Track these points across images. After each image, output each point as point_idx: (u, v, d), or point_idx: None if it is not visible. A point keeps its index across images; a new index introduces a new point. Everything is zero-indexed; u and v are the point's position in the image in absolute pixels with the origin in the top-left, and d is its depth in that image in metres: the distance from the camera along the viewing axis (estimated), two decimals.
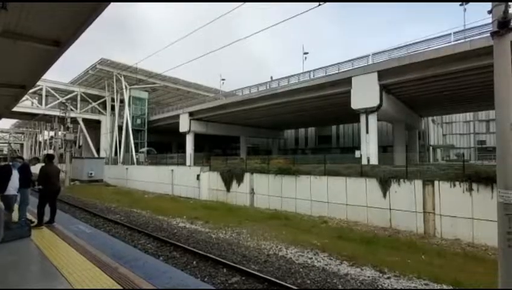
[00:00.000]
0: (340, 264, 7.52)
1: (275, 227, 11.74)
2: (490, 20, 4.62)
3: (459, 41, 15.68)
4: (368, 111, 19.52)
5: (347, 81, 20.08)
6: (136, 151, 36.03)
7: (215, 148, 54.52)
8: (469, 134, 49.81)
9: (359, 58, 21.05)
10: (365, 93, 19.17)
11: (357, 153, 20.71)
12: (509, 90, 4.47)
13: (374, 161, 18.97)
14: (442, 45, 16.39)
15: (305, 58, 31.39)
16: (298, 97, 24.18)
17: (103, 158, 36.65)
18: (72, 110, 34.15)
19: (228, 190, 19.52)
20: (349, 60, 21.60)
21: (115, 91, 37.90)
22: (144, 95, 40.18)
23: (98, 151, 40.37)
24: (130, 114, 37.31)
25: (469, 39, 15.30)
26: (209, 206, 17.04)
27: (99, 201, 18.93)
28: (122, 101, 38.44)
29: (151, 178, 26.80)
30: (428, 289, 6.10)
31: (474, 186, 10.32)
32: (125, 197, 20.87)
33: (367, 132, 19.70)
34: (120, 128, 37.80)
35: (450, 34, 16.12)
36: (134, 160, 34.47)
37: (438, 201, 11.23)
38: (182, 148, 39.55)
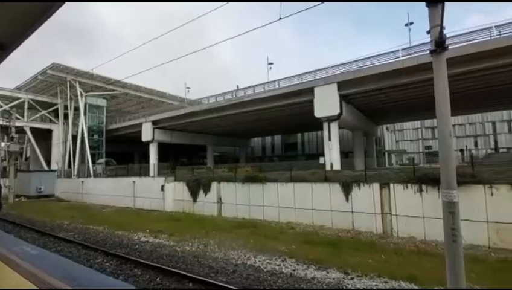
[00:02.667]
0: (307, 269, 7.67)
1: (243, 236, 11.64)
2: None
3: (406, 57, 17.36)
4: (329, 119, 20.54)
5: (310, 91, 21.01)
6: (93, 162, 33.49)
7: (181, 158, 52.90)
8: (418, 140, 54.90)
9: (320, 70, 22.23)
10: (327, 103, 20.19)
11: (321, 160, 21.59)
12: (447, 101, 5.06)
13: (337, 166, 19.91)
14: (393, 60, 18.02)
15: (270, 68, 32.29)
16: (264, 106, 24.64)
17: (55, 171, 33.43)
18: (18, 118, 30.83)
19: (195, 200, 18.97)
20: (312, 71, 22.70)
21: (69, 98, 35.04)
22: (102, 102, 37.76)
23: (48, 163, 36.69)
24: (85, 123, 34.72)
25: (415, 55, 17.03)
26: (175, 217, 16.37)
27: (50, 218, 17.13)
28: (77, 108, 35.68)
29: (110, 191, 25.03)
30: (388, 288, 6.47)
31: (424, 187, 11.32)
32: (80, 213, 19.17)
33: (329, 139, 20.67)
34: (74, 138, 34.91)
35: (398, 50, 17.78)
36: (91, 172, 31.97)
37: (393, 202, 12.09)
38: (145, 158, 37.68)
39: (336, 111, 20.06)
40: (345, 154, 31.46)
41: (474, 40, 15.28)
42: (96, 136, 36.50)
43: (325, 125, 20.90)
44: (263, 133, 48.32)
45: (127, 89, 37.81)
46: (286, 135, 49.19)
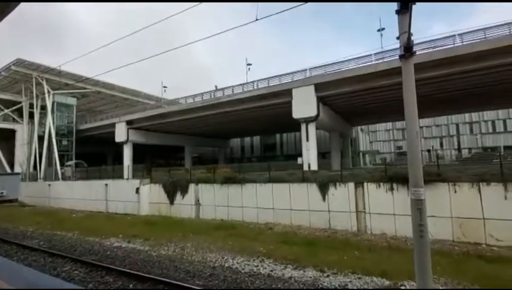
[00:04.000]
0: (284, 269, 7.73)
1: (222, 238, 11.52)
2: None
3: (379, 61, 18.13)
4: (307, 120, 20.95)
5: (288, 92, 21.28)
6: (62, 164, 31.60)
7: (157, 159, 51.38)
8: (389, 141, 57.66)
9: (298, 72, 22.60)
10: (304, 104, 20.57)
11: (299, 160, 21.95)
12: (414, 104, 5.34)
13: (314, 166, 20.33)
14: (367, 64, 18.74)
15: (249, 69, 32.34)
16: (243, 107, 24.61)
17: (18, 174, 31.10)
18: None
19: (172, 202, 18.49)
20: (290, 73, 23.01)
21: (35, 96, 32.79)
22: (72, 101, 35.76)
23: (12, 166, 34.08)
24: (53, 122, 32.68)
25: (387, 60, 17.83)
26: (150, 221, 15.85)
27: (12, 225, 15.91)
28: (44, 107, 33.50)
29: (80, 195, 23.73)
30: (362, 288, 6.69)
31: (395, 186, 11.86)
32: (47, 219, 17.97)
33: (307, 140, 21.07)
34: (41, 138, 32.73)
35: (371, 54, 18.53)
36: (59, 175, 30.14)
37: (367, 201, 12.55)
38: (119, 160, 36.18)
39: (313, 112, 20.49)
40: (322, 154, 32.23)
41: (441, 46, 16.28)
42: (65, 137, 34.46)
43: (303, 126, 21.27)
44: (242, 134, 48.25)
45: (99, 87, 36.13)
46: (265, 136, 49.48)
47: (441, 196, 10.74)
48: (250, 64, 32.43)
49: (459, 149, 51.37)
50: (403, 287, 6.16)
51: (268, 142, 50.17)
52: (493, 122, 49.81)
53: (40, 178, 31.00)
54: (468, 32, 16.19)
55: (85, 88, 34.75)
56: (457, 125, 52.67)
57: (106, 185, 22.05)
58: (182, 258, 9.06)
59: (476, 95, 22.61)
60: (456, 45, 16.05)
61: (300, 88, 20.88)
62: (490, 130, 50.21)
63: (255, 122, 31.35)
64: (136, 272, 7.46)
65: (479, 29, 16.01)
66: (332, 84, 19.91)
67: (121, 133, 31.91)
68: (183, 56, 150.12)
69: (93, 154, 43.09)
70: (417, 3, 5.00)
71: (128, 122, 31.69)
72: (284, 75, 23.14)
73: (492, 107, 37.49)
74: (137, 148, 34.27)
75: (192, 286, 6.36)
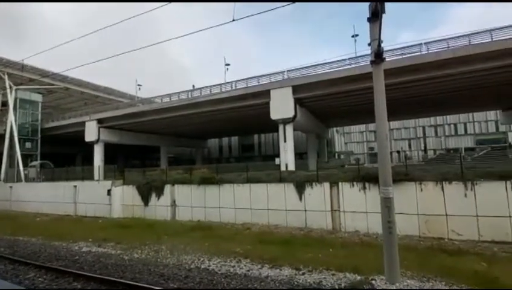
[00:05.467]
0: (261, 268, 7.78)
1: (198, 239, 11.34)
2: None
3: (352, 66, 18.86)
4: (285, 122, 21.27)
5: (266, 93, 21.48)
6: (25, 165, 29.43)
7: (131, 160, 49.59)
8: (363, 142, 60.11)
9: (277, 74, 22.85)
10: (282, 105, 20.87)
11: (277, 161, 22.21)
12: (384, 107, 5.64)
13: (292, 167, 20.68)
14: (342, 68, 19.40)
15: (227, 69, 32.23)
16: (221, 107, 24.45)
17: None
18: None
19: (146, 204, 17.91)
20: (268, 74, 23.20)
21: None
22: (37, 97, 33.44)
23: None
24: (16, 120, 30.37)
25: (361, 64, 18.57)
26: (123, 224, 15.23)
27: None
28: (5, 104, 31.01)
29: (46, 197, 22.24)
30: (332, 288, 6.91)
31: (367, 185, 12.37)
32: (8, 223, 16.68)
33: (285, 141, 21.39)
34: (1, 137, 30.26)
35: (345, 59, 19.25)
36: (22, 176, 28.06)
37: (341, 199, 12.97)
38: (89, 160, 34.39)
39: (291, 114, 20.85)
40: (300, 155, 32.88)
41: (408, 54, 17.27)
42: (29, 136, 32.13)
43: (281, 127, 21.57)
44: (220, 134, 47.90)
45: (67, 83, 34.13)
46: (243, 136, 49.48)
47: (409, 194, 11.39)
48: (228, 65, 32.38)
49: (425, 150, 54.75)
50: (373, 282, 6.44)
51: (247, 143, 50.25)
52: (455, 125, 53.67)
53: (0, 180, 28.64)
54: (433, 41, 17.32)
55: (52, 84, 32.68)
56: (423, 128, 56.10)
57: (75, 186, 20.89)
58: (156, 261, 8.81)
59: (440, 100, 24.27)
60: (422, 52, 17.11)
61: (278, 89, 21.16)
62: (453, 133, 54.05)
63: (233, 122, 31.26)
64: (106, 277, 7.14)
65: (442, 39, 17.20)
66: (309, 87, 20.39)
67: (91, 132, 30.36)
68: (160, 56, 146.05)
69: (61, 154, 40.62)
70: (388, 12, 5.28)
71: (100, 121, 30.25)
72: (262, 76, 23.30)
73: (454, 112, 40.44)
74: (109, 148, 32.79)
75: (153, 287, 6.34)
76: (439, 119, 53.71)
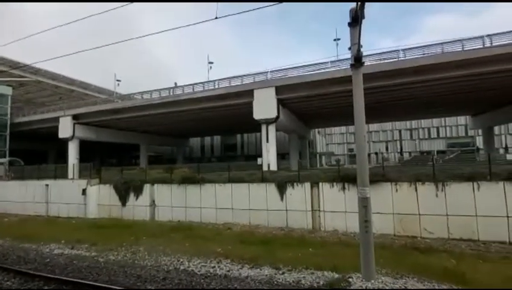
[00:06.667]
0: (241, 268, 7.77)
1: (178, 240, 11.14)
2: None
3: (334, 69, 19.29)
4: (268, 122, 21.38)
5: (250, 93, 21.48)
6: None
7: (109, 158, 47.85)
8: (343, 143, 61.71)
9: (260, 74, 22.91)
10: (265, 106, 20.95)
11: (259, 161, 22.28)
12: (363, 110, 5.82)
13: (274, 167, 20.82)
14: (324, 70, 19.78)
15: (211, 67, 31.91)
16: (203, 105, 24.17)
17: None
18: None
19: (124, 204, 17.35)
20: (252, 74, 23.20)
21: None
22: (6, 90, 31.43)
23: None
24: None
25: (342, 68, 19.02)
26: (99, 224, 14.66)
27: None
28: None
29: (15, 197, 20.97)
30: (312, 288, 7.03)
31: (346, 185, 12.71)
32: None
33: (267, 141, 21.50)
34: None
35: (328, 62, 19.64)
36: None
37: (322, 199, 13.23)
38: (63, 158, 32.76)
39: (273, 114, 20.98)
40: (282, 155, 33.16)
41: (385, 59, 17.93)
42: None
43: (264, 127, 21.66)
44: (202, 133, 47.34)
45: (40, 76, 32.37)
46: (226, 136, 49.19)
47: (385, 194, 11.82)
48: (211, 63, 32.07)
49: (401, 152, 57.11)
50: (350, 279, 6.63)
51: (229, 143, 50.01)
52: (429, 129, 56.43)
53: None
54: (410, 48, 18.09)
55: (23, 76, 30.81)
56: (400, 131, 58.50)
57: (47, 185, 19.84)
58: (133, 263, 8.55)
59: (415, 105, 25.41)
60: (400, 58, 17.82)
61: (261, 90, 21.22)
62: (426, 136, 56.79)
63: (215, 121, 31.00)
64: (79, 280, 6.84)
65: (419, 46, 18.01)
66: (292, 88, 20.62)
67: (65, 128, 28.94)
68: (142, 53, 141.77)
69: (32, 151, 38.46)
70: (366, 18, 5.45)
71: (75, 117, 28.91)
72: (245, 75, 23.27)
73: (428, 116, 42.50)
74: (85, 145, 31.43)
75: (113, 287, 6.38)
76: (414, 123, 56.24)
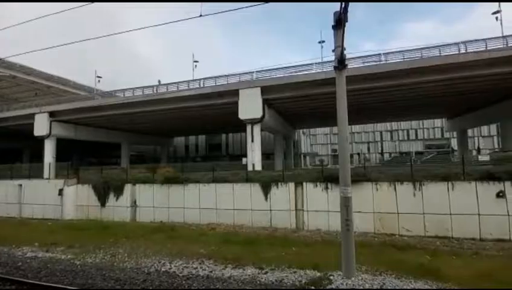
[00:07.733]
0: (224, 269, 7.72)
1: (160, 241, 10.92)
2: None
3: (319, 71, 19.58)
4: (253, 122, 21.36)
5: (235, 93, 21.37)
6: None
7: (88, 157, 46.11)
8: (327, 144, 62.78)
9: (246, 73, 22.85)
10: (251, 106, 20.93)
11: (244, 160, 22.22)
12: (345, 111, 5.95)
13: (258, 167, 20.84)
14: (309, 72, 20.03)
15: (196, 66, 31.46)
16: (188, 104, 23.80)
17: None
18: None
19: (103, 204, 16.80)
20: (237, 74, 23.10)
21: None
22: None
23: None
24: None
25: (326, 70, 19.33)
26: (76, 226, 14.12)
27: None
28: None
29: None
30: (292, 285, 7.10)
31: (329, 185, 12.95)
32: None
33: (252, 141, 21.49)
34: None
35: (313, 64, 19.93)
36: None
37: (305, 199, 13.41)
38: (39, 157, 31.21)
39: (259, 114, 20.99)
40: (267, 155, 33.24)
41: (368, 62, 18.41)
42: None
43: (249, 127, 21.62)
44: (187, 133, 46.64)
45: (15, 71, 30.71)
46: (210, 135, 48.71)
47: (366, 194, 12.14)
48: (197, 62, 31.58)
49: (382, 153, 58.89)
50: (331, 277, 6.74)
51: (214, 142, 49.58)
52: (408, 131, 58.52)
53: None
54: (391, 52, 18.68)
55: None
56: (381, 132, 60.29)
57: (20, 185, 18.87)
58: (112, 265, 8.28)
59: (395, 107, 26.27)
60: (381, 62, 18.36)
61: (247, 89, 21.17)
62: (405, 138, 58.87)
63: (200, 121, 30.62)
64: (53, 285, 6.55)
65: (399, 51, 18.62)
66: (278, 88, 20.73)
67: (41, 126, 27.57)
68: (124, 49, 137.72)
69: (5, 149, 36.42)
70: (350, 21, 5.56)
71: (52, 114, 27.62)
72: (231, 75, 23.13)
73: (407, 118, 44.07)
74: (63, 144, 30.10)
75: (68, 287, 6.39)
76: (394, 125, 58.13)
